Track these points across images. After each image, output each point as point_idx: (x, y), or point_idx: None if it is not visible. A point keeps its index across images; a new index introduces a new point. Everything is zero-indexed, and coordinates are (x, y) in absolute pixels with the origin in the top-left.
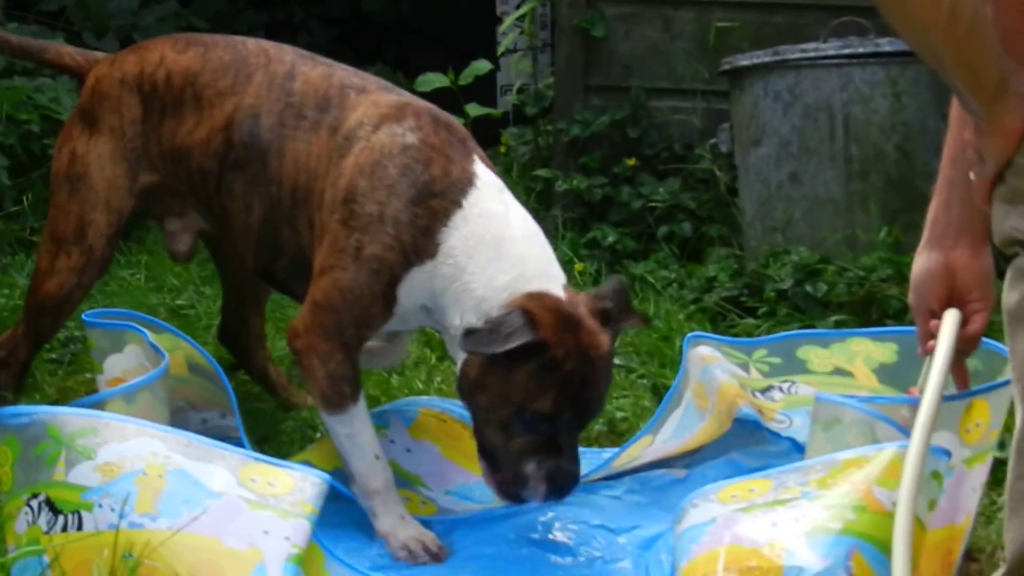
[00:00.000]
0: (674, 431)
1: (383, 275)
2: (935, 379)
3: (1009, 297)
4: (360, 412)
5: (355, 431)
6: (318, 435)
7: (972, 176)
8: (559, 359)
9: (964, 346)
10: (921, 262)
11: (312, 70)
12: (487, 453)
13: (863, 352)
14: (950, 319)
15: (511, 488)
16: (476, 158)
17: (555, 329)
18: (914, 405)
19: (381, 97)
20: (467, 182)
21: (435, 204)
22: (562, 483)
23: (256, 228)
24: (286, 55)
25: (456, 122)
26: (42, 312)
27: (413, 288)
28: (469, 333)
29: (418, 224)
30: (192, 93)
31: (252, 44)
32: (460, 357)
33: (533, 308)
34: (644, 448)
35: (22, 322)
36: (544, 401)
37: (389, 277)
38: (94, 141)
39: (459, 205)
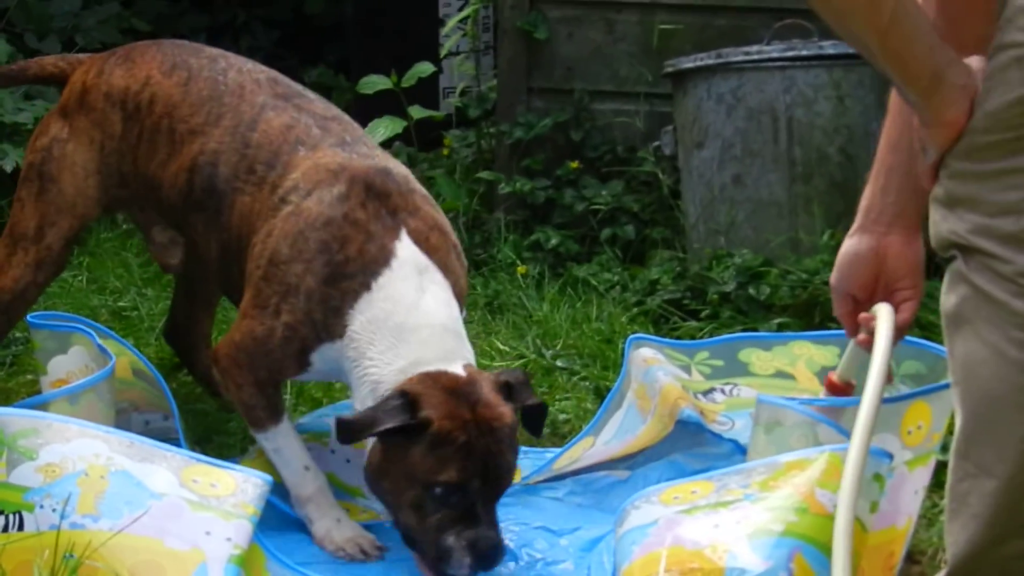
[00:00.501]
0: (616, 432)
1: (295, 343)
2: (875, 376)
3: (947, 301)
4: (282, 429)
5: (280, 446)
6: None
7: (917, 163)
8: (449, 431)
9: (898, 334)
10: (851, 245)
11: (277, 117)
12: (408, 539)
13: (805, 355)
14: (885, 313)
15: (438, 566)
16: (403, 232)
17: (445, 405)
18: (838, 407)
19: (325, 157)
20: (382, 262)
21: (345, 285)
22: (485, 550)
23: (215, 264)
24: (259, 96)
25: (397, 183)
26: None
27: (326, 359)
28: (340, 423)
29: (329, 304)
30: (168, 125)
31: (233, 75)
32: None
33: (419, 389)
34: (586, 450)
35: None
36: (448, 472)
37: (300, 345)
38: (72, 146)
39: (367, 288)
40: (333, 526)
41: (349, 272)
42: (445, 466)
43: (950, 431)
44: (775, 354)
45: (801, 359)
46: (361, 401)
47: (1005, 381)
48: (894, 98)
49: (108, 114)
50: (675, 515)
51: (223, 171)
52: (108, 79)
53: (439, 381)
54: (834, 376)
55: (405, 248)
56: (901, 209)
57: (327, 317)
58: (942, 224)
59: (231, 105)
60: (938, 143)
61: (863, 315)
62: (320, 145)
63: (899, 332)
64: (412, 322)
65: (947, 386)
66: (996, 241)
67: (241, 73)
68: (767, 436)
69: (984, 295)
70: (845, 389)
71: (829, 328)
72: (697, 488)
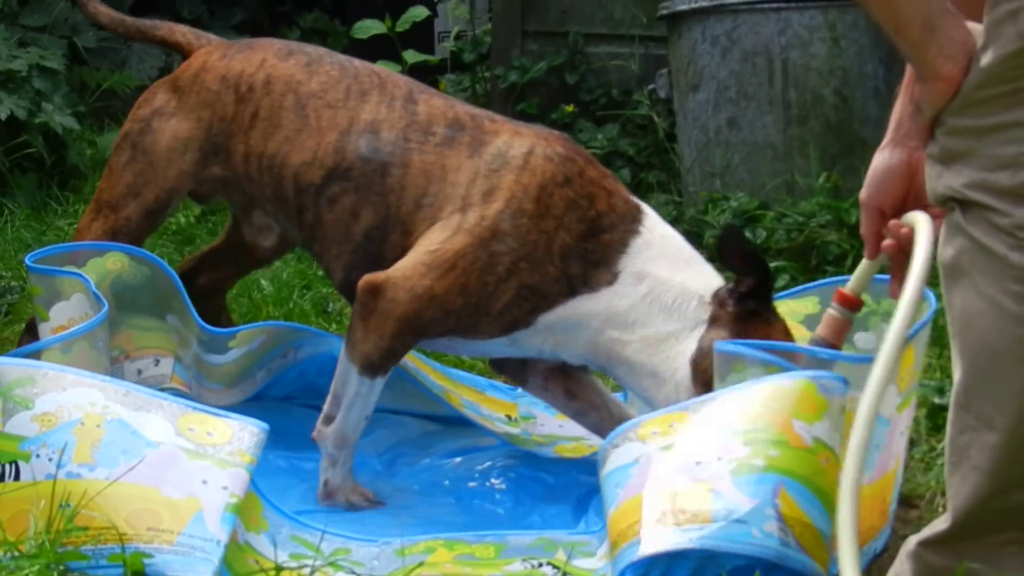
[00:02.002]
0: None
1: (529, 302)
2: (912, 287)
3: (944, 252)
4: (383, 382)
5: (369, 393)
6: None
7: (911, 120)
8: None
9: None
10: (882, 159)
11: (431, 98)
12: None
13: (787, 311)
14: (923, 220)
15: None
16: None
17: None
18: (812, 356)
19: (515, 126)
20: (635, 210)
21: (607, 238)
22: None
23: (358, 237)
24: (399, 79)
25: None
26: None
27: (569, 314)
28: (725, 291)
29: (589, 259)
30: (295, 100)
31: (359, 64)
32: (687, 343)
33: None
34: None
35: None
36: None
37: (538, 304)
38: (176, 121)
39: (636, 233)
40: (348, 477)
41: (606, 225)
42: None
43: (947, 374)
44: None
45: (784, 314)
46: (682, 317)
47: (1003, 333)
48: None
49: (221, 95)
50: (655, 452)
51: (388, 136)
52: (228, 63)
53: None
54: (844, 289)
55: (635, 198)
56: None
57: (587, 270)
58: (938, 180)
59: (374, 84)
60: (934, 100)
61: (892, 222)
62: (496, 118)
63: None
64: (692, 251)
65: (924, 324)
66: (994, 195)
67: (365, 64)
68: (722, 383)
69: (981, 247)
70: (855, 302)
71: (826, 272)
72: (674, 421)
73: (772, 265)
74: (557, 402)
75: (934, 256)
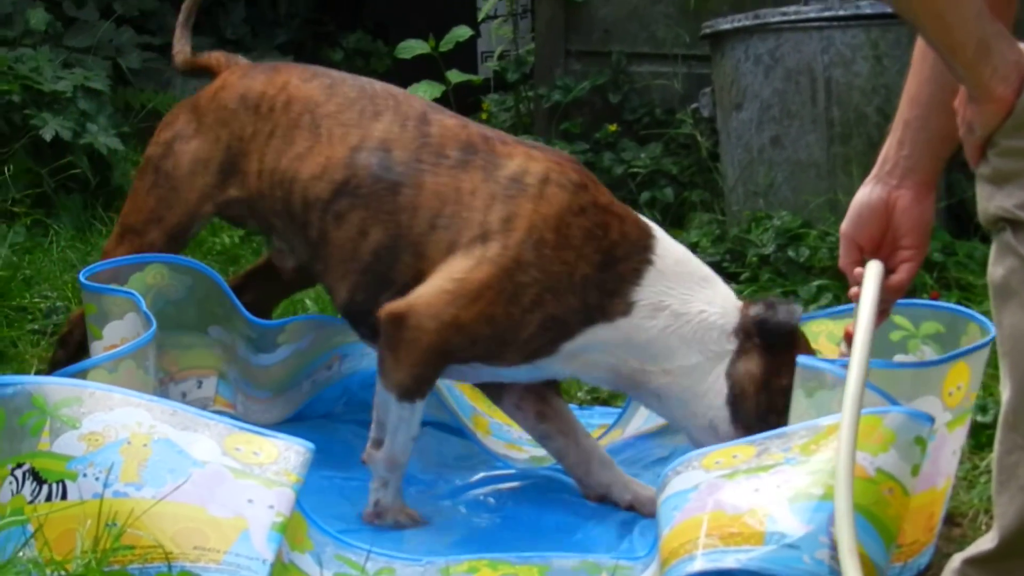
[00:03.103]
0: (646, 419)
1: (552, 332)
2: (861, 335)
3: (995, 271)
4: (423, 404)
5: (411, 417)
6: None
7: (963, 140)
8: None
9: (888, 296)
10: (863, 193)
11: (445, 119)
12: None
13: (824, 331)
14: (872, 272)
15: None
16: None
17: None
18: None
19: (529, 149)
20: (647, 236)
21: (622, 268)
22: None
23: (366, 256)
24: (415, 101)
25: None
26: None
27: (590, 342)
28: (762, 324)
29: (605, 288)
30: (310, 120)
31: (379, 86)
32: (714, 379)
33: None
34: (614, 440)
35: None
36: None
37: (560, 333)
38: (196, 142)
39: (649, 262)
40: (395, 495)
41: (620, 255)
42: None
43: (989, 392)
44: None
45: (822, 335)
46: (704, 348)
47: None
48: (917, 52)
49: (239, 114)
50: (716, 479)
51: (399, 155)
52: (248, 82)
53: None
54: (850, 327)
55: (646, 220)
56: (914, 163)
57: (603, 300)
58: (989, 202)
59: (389, 105)
60: (986, 121)
61: (857, 270)
62: (507, 140)
63: (895, 293)
64: (706, 271)
65: (984, 345)
66: None
67: (385, 85)
68: (808, 399)
69: None
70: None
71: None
72: (738, 453)
73: (815, 284)
74: (527, 423)
75: (877, 304)
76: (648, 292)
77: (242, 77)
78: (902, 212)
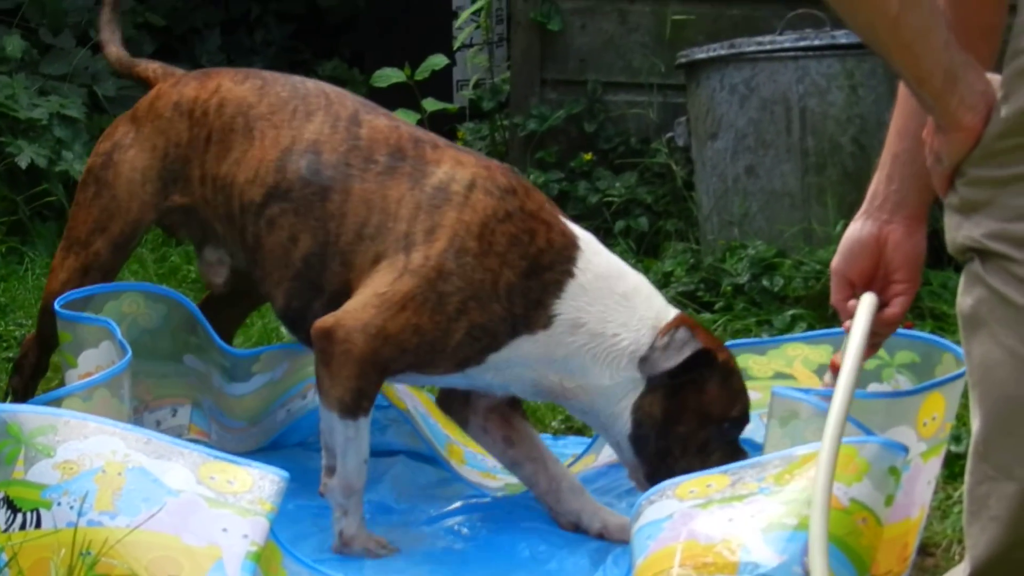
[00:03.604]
0: None
1: (482, 341)
2: (849, 365)
3: (963, 302)
4: (367, 422)
5: (358, 435)
6: None
7: (930, 170)
8: (728, 361)
9: (881, 329)
10: (854, 230)
11: (376, 119)
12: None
13: (800, 355)
14: (864, 303)
15: None
16: (560, 215)
17: (710, 338)
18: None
19: (457, 154)
20: (571, 247)
21: (547, 277)
22: None
23: (297, 263)
24: (347, 100)
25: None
26: (44, 311)
27: (515, 354)
28: (645, 360)
29: (530, 297)
30: (244, 123)
31: (312, 84)
32: (623, 407)
33: (686, 324)
34: (587, 467)
35: (36, 324)
36: (738, 406)
37: (489, 343)
38: (133, 152)
39: (570, 275)
40: (360, 524)
41: (545, 263)
42: (735, 399)
43: (963, 422)
44: (770, 357)
45: (797, 359)
46: (614, 374)
47: (1023, 383)
48: (902, 86)
49: (174, 122)
50: (689, 509)
51: (329, 159)
52: (181, 89)
53: (688, 320)
54: (837, 358)
55: (575, 227)
56: (904, 198)
57: (528, 310)
58: (957, 231)
59: (320, 105)
60: (954, 150)
61: (851, 302)
62: (438, 143)
63: (889, 326)
64: (630, 286)
65: (958, 376)
66: (1013, 245)
67: (317, 84)
68: (782, 429)
69: (1001, 297)
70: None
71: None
72: (712, 482)
73: (789, 313)
74: (495, 448)
75: (868, 337)
76: (568, 306)
77: (175, 84)
78: (894, 247)
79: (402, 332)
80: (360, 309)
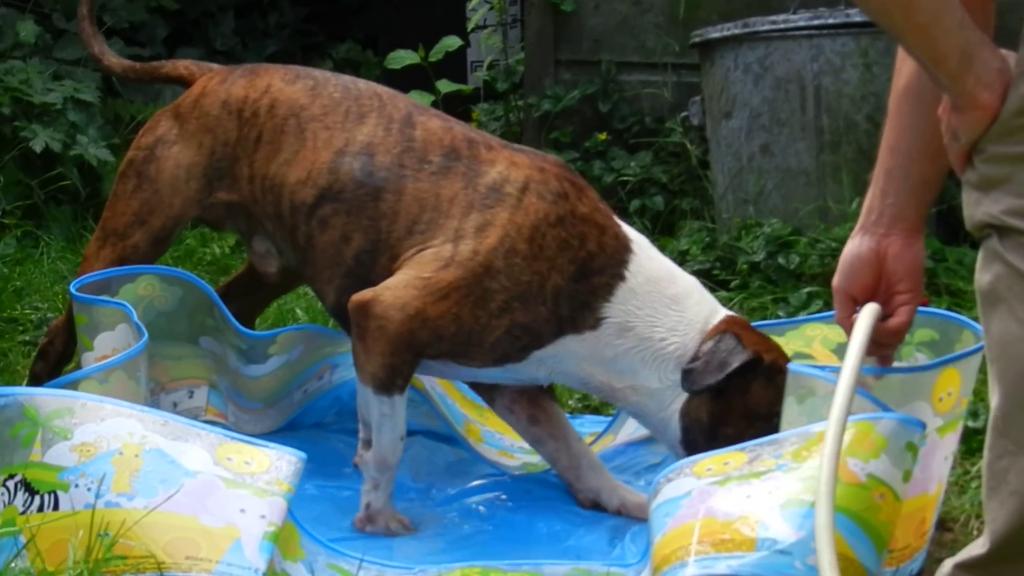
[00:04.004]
0: (637, 425)
1: (522, 340)
2: (847, 374)
3: (981, 278)
4: (403, 399)
5: (394, 412)
6: None
7: (947, 148)
8: (775, 360)
9: (888, 339)
10: (852, 247)
11: (429, 121)
12: None
13: (819, 335)
14: (867, 314)
15: None
16: (614, 216)
17: (756, 339)
18: (881, 375)
19: (513, 155)
20: (623, 250)
21: (596, 281)
22: None
23: (349, 261)
24: (400, 101)
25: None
26: None
27: (561, 353)
28: (688, 375)
29: (577, 299)
30: (296, 124)
31: (363, 85)
32: (672, 411)
33: (734, 330)
34: (606, 446)
35: (65, 310)
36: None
37: (530, 341)
38: (178, 148)
39: (621, 278)
40: (388, 501)
41: (596, 267)
42: (780, 394)
43: (980, 397)
44: (789, 338)
45: (816, 339)
46: (663, 377)
47: None
48: (893, 101)
49: (222, 120)
50: (708, 486)
51: (382, 160)
52: (229, 88)
53: (737, 322)
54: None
55: (628, 229)
56: (900, 211)
57: (574, 312)
58: (976, 207)
59: (373, 107)
60: (971, 128)
61: (854, 316)
62: (492, 144)
63: (896, 336)
64: (681, 289)
65: (974, 352)
66: None
67: (369, 84)
68: (799, 406)
69: (1019, 273)
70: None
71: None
72: (730, 460)
73: (805, 291)
74: (519, 426)
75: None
76: (618, 310)
77: (221, 83)
78: (894, 259)
79: (441, 319)
80: (401, 288)
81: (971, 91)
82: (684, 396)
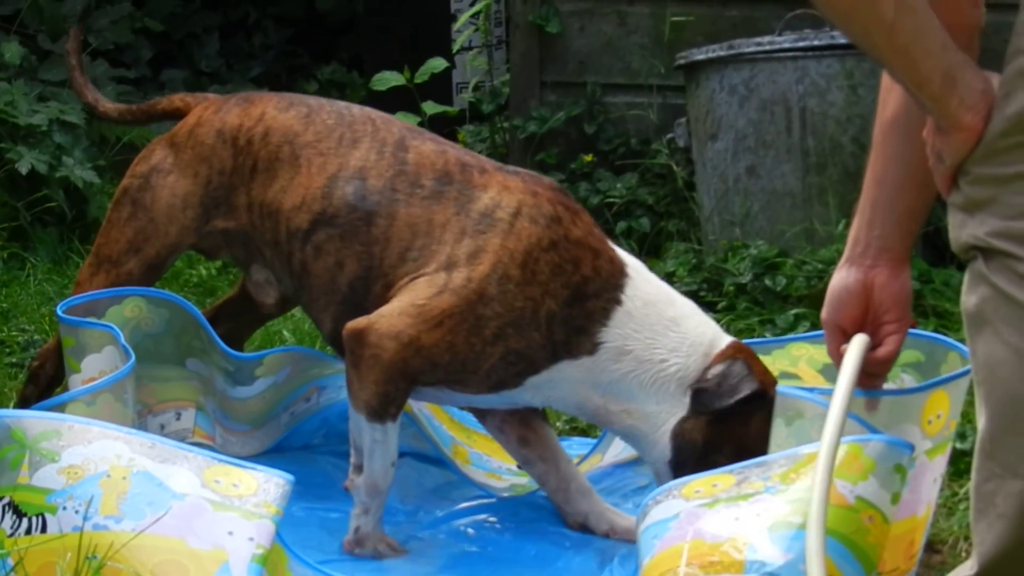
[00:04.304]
0: (625, 446)
1: (517, 367)
2: (837, 404)
3: (967, 301)
4: (396, 426)
5: (386, 439)
6: None
7: (932, 170)
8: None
9: (877, 369)
10: (839, 279)
11: (423, 144)
12: None
13: (805, 355)
14: (856, 346)
15: None
16: (607, 241)
17: (762, 368)
18: (872, 399)
19: (505, 179)
20: (619, 274)
21: (591, 305)
22: None
23: (343, 288)
24: (393, 126)
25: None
26: None
27: (556, 378)
28: (699, 395)
29: (572, 324)
30: (290, 151)
31: (357, 110)
32: (664, 432)
33: (742, 357)
34: (594, 467)
35: (55, 334)
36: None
37: (524, 368)
38: (174, 177)
39: (618, 302)
40: (378, 526)
41: (591, 291)
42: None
43: (968, 419)
44: (775, 357)
45: (802, 359)
46: (661, 399)
47: None
48: (878, 132)
49: (217, 149)
50: (696, 509)
51: (374, 184)
52: (223, 117)
53: (743, 349)
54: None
55: (623, 253)
56: (886, 243)
57: (569, 337)
58: (961, 229)
59: (366, 131)
60: (955, 149)
61: (843, 347)
62: (486, 167)
63: (884, 365)
64: (679, 311)
65: (963, 374)
66: (1017, 243)
67: (363, 110)
68: (787, 428)
69: (1004, 296)
70: None
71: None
72: (718, 482)
73: (792, 312)
74: (510, 446)
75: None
76: (614, 334)
77: (216, 112)
78: (881, 289)
79: (435, 347)
80: (395, 316)
81: (955, 113)
82: (677, 417)
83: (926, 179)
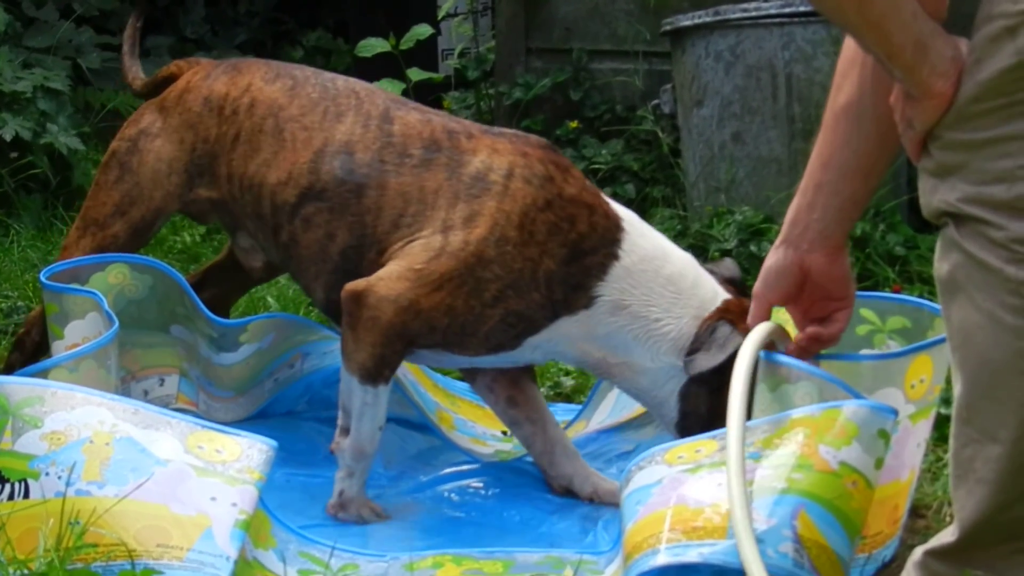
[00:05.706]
0: (610, 412)
1: (518, 327)
2: (737, 390)
3: (940, 267)
4: (387, 390)
5: (376, 402)
6: None
7: (901, 136)
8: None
9: (828, 346)
10: (775, 259)
11: (407, 114)
12: None
13: (788, 319)
14: (758, 332)
15: None
16: (602, 195)
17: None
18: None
19: (494, 142)
20: (615, 229)
21: (588, 261)
22: None
23: (335, 257)
24: (377, 98)
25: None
26: None
27: (556, 335)
28: (688, 356)
29: (570, 282)
30: (274, 124)
31: (342, 83)
32: (668, 391)
33: (732, 319)
34: (579, 433)
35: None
36: None
37: (525, 328)
38: (160, 142)
39: (615, 256)
40: (361, 490)
41: (587, 247)
42: None
43: (950, 384)
44: None
45: (788, 324)
46: (655, 358)
47: (1002, 347)
48: (830, 116)
49: (203, 117)
50: (679, 474)
51: (362, 157)
52: (211, 84)
53: (733, 308)
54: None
55: (618, 208)
56: (826, 228)
57: (568, 294)
58: (932, 195)
59: (350, 105)
60: (926, 116)
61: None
62: (472, 132)
63: (832, 341)
64: (676, 268)
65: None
66: (988, 208)
67: (347, 82)
68: (771, 394)
69: (977, 262)
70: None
71: None
72: (701, 447)
73: None
74: (498, 406)
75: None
76: (612, 288)
77: (205, 79)
78: (820, 274)
79: (434, 310)
80: (394, 279)
81: (926, 80)
82: (681, 378)
83: (873, 168)
